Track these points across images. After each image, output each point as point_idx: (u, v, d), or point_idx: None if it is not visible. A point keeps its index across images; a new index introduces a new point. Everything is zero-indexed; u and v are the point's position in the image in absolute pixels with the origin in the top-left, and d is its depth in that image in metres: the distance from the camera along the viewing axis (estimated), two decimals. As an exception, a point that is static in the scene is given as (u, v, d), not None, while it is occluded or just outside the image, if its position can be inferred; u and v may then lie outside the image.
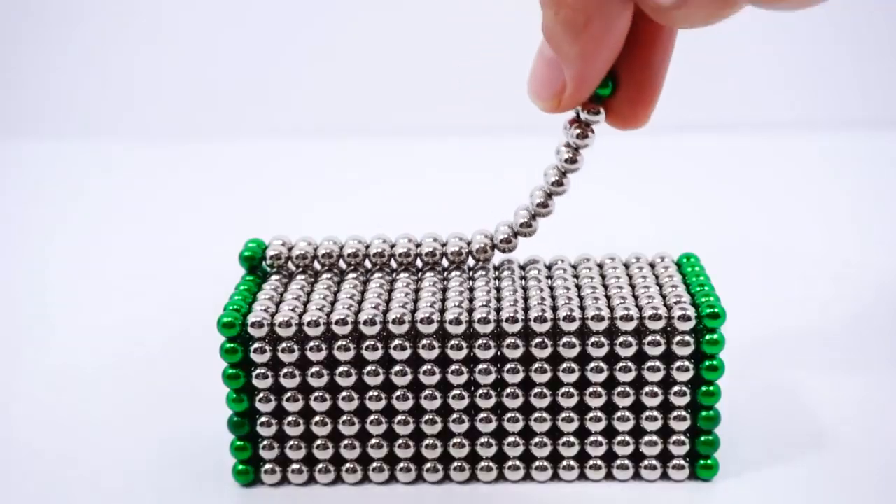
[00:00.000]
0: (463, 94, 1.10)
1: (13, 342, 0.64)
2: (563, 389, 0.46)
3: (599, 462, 0.47)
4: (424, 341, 0.45)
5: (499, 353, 0.46)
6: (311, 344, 0.45)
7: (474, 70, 1.10)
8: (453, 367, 0.45)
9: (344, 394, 0.46)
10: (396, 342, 0.45)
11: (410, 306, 0.46)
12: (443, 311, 0.46)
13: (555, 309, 0.45)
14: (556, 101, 0.42)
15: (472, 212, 0.82)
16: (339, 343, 0.45)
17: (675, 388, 0.45)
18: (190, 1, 1.15)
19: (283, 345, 0.45)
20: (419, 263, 0.51)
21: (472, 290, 0.48)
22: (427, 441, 0.47)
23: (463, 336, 0.45)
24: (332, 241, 0.51)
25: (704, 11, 0.38)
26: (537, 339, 0.45)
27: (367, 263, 0.51)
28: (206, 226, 0.85)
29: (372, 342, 0.45)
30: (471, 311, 0.46)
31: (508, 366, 0.45)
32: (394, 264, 0.51)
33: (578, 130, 0.44)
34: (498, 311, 0.46)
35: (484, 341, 0.45)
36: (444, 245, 0.51)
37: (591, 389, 0.46)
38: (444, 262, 0.51)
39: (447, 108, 1.10)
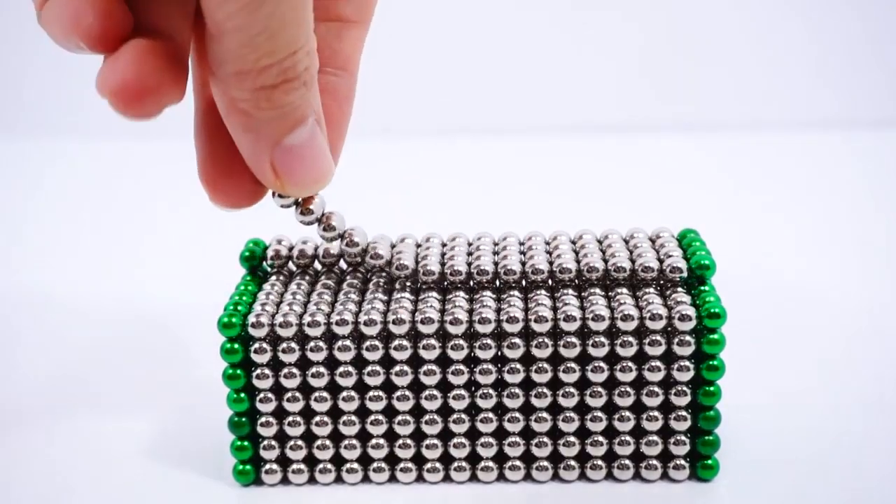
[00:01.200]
0: (464, 94, 1.10)
1: (11, 344, 0.64)
2: (564, 389, 0.46)
3: (600, 462, 0.47)
4: (425, 341, 0.45)
5: (499, 353, 0.46)
6: (312, 344, 0.45)
7: (474, 70, 1.10)
8: (454, 367, 0.45)
9: (344, 394, 0.46)
10: (397, 342, 0.45)
11: (410, 306, 0.46)
12: (443, 311, 0.46)
13: (555, 309, 0.45)
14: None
15: (472, 212, 0.82)
16: (340, 343, 0.45)
17: (676, 389, 0.45)
18: None
19: (284, 345, 0.45)
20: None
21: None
22: (427, 441, 0.47)
23: (463, 336, 0.45)
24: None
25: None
26: (538, 339, 0.45)
27: (367, 264, 0.51)
28: (206, 225, 0.85)
29: (372, 342, 0.45)
30: (470, 311, 0.46)
31: (509, 366, 0.45)
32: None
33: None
34: (498, 311, 0.46)
35: (484, 341, 0.45)
36: (443, 245, 0.51)
37: (591, 389, 0.46)
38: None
39: (448, 108, 1.10)
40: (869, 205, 0.85)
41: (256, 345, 0.45)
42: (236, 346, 0.46)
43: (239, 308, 0.46)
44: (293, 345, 0.45)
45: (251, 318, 0.46)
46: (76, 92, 1.13)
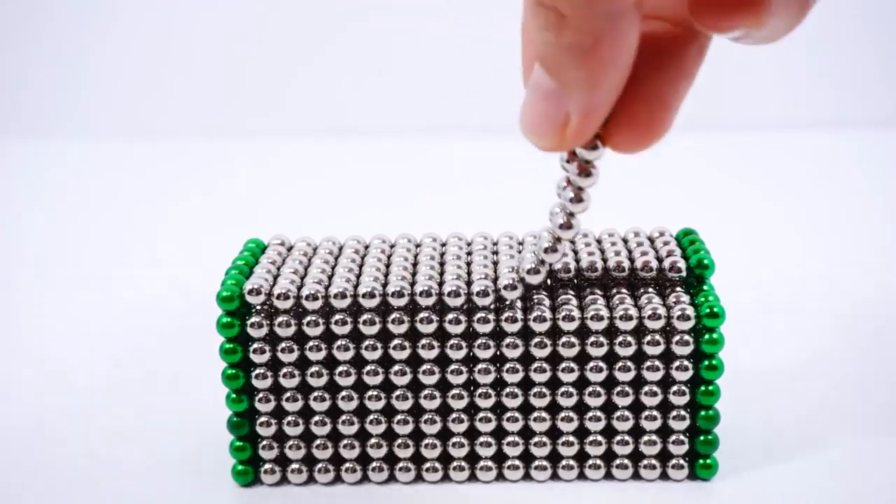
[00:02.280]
0: (465, 94, 1.10)
1: (9, 343, 0.64)
2: (563, 389, 0.46)
3: (599, 461, 0.47)
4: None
5: (498, 353, 0.46)
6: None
7: (474, 69, 1.10)
8: (453, 366, 0.45)
9: (343, 393, 0.46)
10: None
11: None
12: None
13: (554, 308, 0.45)
14: (559, 136, 0.37)
15: (472, 212, 0.82)
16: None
17: (675, 388, 0.45)
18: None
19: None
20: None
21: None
22: (426, 441, 0.47)
23: (462, 335, 0.45)
24: (331, 241, 0.51)
25: (786, 22, 0.34)
26: (536, 339, 0.45)
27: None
28: (205, 225, 0.85)
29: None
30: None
31: (508, 365, 0.45)
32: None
33: (578, 170, 0.40)
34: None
35: (484, 341, 0.45)
36: (443, 245, 0.51)
37: (590, 389, 0.46)
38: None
39: (449, 108, 1.10)
40: (869, 204, 0.85)
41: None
42: (235, 346, 0.46)
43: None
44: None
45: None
46: (76, 92, 1.14)
